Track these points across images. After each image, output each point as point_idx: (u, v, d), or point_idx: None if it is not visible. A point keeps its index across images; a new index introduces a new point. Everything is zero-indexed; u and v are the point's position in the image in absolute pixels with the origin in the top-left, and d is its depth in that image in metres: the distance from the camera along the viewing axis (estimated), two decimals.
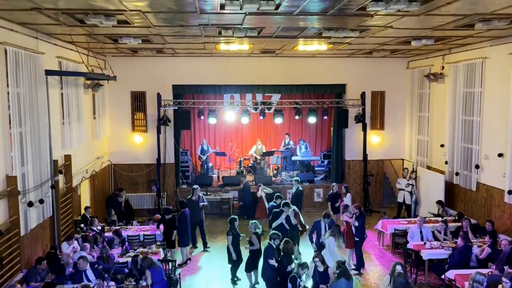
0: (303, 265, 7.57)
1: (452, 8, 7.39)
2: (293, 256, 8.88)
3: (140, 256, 8.67)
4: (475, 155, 11.84)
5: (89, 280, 8.03)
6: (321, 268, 7.84)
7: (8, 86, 8.00)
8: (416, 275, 9.85)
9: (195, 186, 12.37)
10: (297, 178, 13.90)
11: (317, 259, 7.94)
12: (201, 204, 12.29)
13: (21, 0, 6.65)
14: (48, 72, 9.55)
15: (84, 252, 8.91)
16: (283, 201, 10.96)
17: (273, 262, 8.66)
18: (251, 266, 9.60)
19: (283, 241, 8.72)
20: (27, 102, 8.55)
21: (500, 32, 9.75)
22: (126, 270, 8.84)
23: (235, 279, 10.02)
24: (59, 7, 7.18)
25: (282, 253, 8.63)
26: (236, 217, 10.15)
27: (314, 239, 10.22)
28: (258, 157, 16.87)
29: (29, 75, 8.64)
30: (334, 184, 13.62)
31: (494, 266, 7.93)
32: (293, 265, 8.39)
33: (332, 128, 16.80)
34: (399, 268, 7.23)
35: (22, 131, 8.41)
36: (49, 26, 8.84)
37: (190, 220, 11.48)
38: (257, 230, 9.56)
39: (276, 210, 10.85)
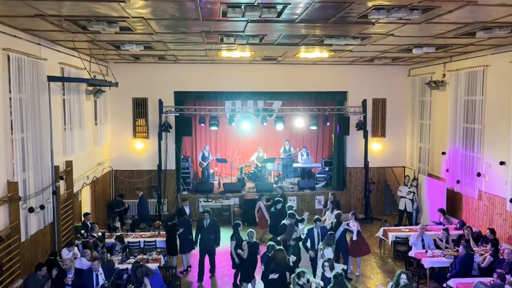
0: (299, 274, 7.32)
1: (453, 16, 7.42)
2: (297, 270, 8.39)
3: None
4: (476, 163, 11.81)
5: (98, 283, 8.00)
6: (329, 274, 7.70)
7: (10, 91, 8.02)
8: (418, 284, 9.79)
9: (205, 211, 10.80)
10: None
11: (326, 264, 7.79)
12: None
13: (25, 7, 6.69)
14: (51, 78, 9.59)
15: (84, 259, 8.89)
16: (297, 218, 10.74)
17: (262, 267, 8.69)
18: (245, 276, 9.45)
19: (276, 249, 8.42)
20: (29, 108, 8.58)
21: (501, 40, 9.77)
22: (125, 276, 8.83)
23: (238, 285, 9.95)
24: (63, 14, 7.22)
25: (271, 260, 8.38)
26: (240, 222, 10.28)
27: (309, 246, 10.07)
28: (260, 164, 16.86)
29: (31, 81, 8.67)
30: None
31: (496, 275, 7.88)
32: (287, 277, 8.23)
33: (333, 135, 16.81)
34: (404, 277, 7.09)
35: (23, 136, 8.43)
36: (52, 33, 8.89)
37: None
38: (250, 240, 9.37)
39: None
